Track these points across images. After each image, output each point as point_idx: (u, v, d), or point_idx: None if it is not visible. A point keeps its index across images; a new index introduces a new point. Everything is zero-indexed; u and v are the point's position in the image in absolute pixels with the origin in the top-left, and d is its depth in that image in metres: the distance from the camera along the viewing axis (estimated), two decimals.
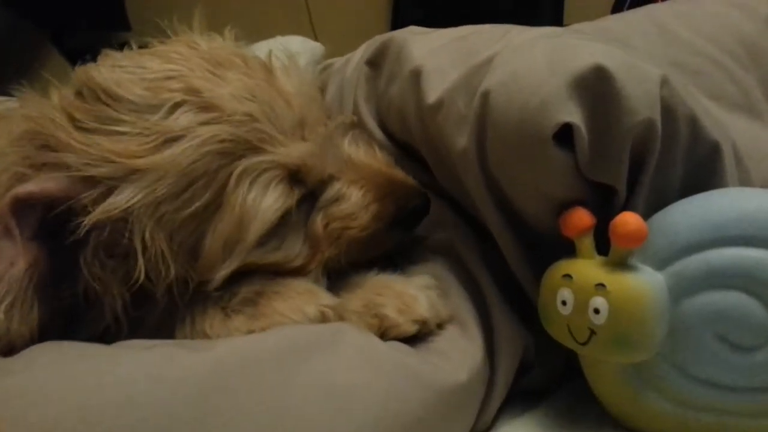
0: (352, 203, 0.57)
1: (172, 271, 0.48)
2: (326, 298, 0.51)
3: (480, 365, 0.52)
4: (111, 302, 0.47)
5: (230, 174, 0.48)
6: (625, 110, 0.48)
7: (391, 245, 0.60)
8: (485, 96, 0.52)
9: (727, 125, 0.64)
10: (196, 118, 0.47)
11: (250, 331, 0.48)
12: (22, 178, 0.46)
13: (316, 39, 1.18)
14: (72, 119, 0.47)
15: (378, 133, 0.71)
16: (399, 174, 0.61)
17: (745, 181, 0.57)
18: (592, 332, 0.49)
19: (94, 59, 0.54)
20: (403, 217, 0.59)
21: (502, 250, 0.58)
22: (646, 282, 0.49)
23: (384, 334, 0.51)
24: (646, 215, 0.51)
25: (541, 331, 0.59)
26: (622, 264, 0.50)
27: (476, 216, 0.62)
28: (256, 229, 0.50)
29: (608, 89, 0.48)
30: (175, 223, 0.47)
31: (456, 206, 0.65)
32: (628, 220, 0.48)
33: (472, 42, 0.63)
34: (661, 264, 0.50)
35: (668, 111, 0.50)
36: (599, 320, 0.49)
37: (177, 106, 0.47)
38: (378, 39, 0.77)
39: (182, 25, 0.58)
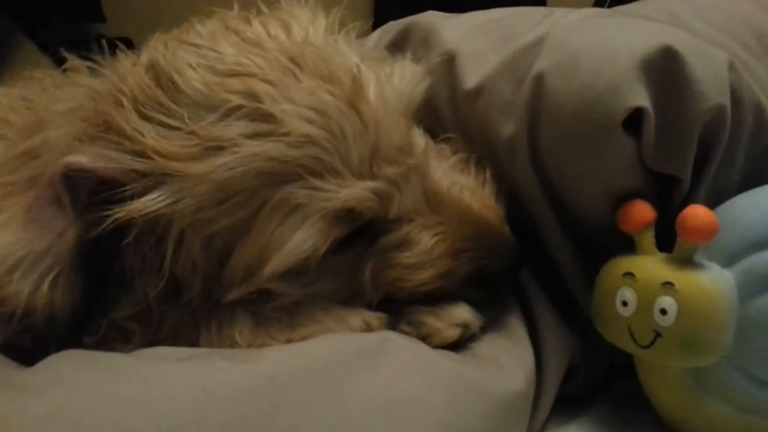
0: (416, 253, 0.48)
1: (200, 275, 0.44)
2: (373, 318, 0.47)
3: (532, 372, 0.49)
4: (143, 288, 0.44)
5: (268, 199, 0.43)
6: (696, 95, 0.45)
7: (461, 298, 0.50)
8: (539, 79, 0.49)
9: None
10: (248, 129, 0.42)
11: (289, 341, 0.44)
12: (76, 150, 0.43)
13: None
14: (136, 101, 0.43)
15: None
16: (494, 219, 0.51)
17: None
18: (658, 334, 0.46)
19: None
20: (481, 278, 0.49)
21: (549, 247, 0.54)
22: (716, 280, 0.46)
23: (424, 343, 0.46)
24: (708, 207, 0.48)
25: (584, 333, 0.56)
26: (688, 261, 0.46)
27: (516, 212, 0.58)
28: (274, 265, 0.44)
29: (678, 72, 0.45)
30: (208, 230, 0.43)
31: None
32: (699, 213, 0.45)
33: (510, 23, 0.59)
34: (729, 260, 0.47)
35: (735, 97, 0.48)
36: (666, 321, 0.45)
37: (232, 110, 0.42)
38: (396, 24, 0.72)
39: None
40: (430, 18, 0.67)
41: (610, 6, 2.63)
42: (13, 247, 0.42)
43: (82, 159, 0.42)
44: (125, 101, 0.43)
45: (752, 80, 0.89)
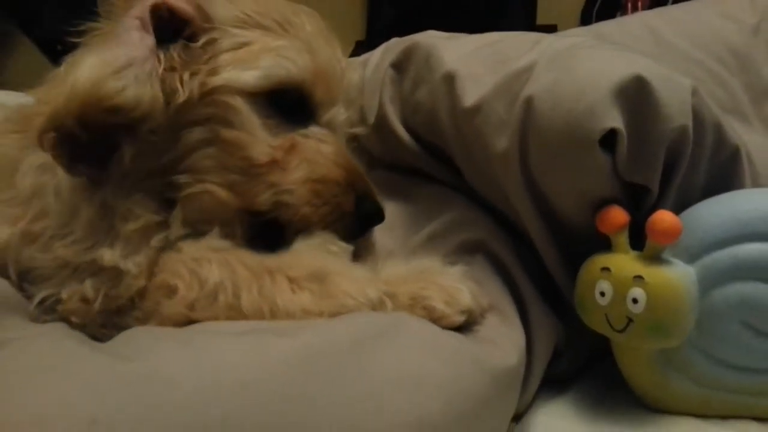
0: (331, 151, 0.59)
1: None
2: (384, 285, 0.54)
3: (523, 350, 0.56)
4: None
5: None
6: (662, 117, 0.53)
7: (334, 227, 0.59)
8: (528, 101, 0.56)
9: None
10: None
11: (320, 311, 0.51)
12: None
13: None
14: None
15: (403, 134, 0.74)
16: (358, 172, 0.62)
17: (756, 181, 0.62)
18: (630, 320, 0.54)
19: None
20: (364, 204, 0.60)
21: (538, 247, 0.62)
22: (680, 274, 0.53)
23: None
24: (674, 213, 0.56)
25: (568, 321, 0.63)
26: (657, 258, 0.54)
27: (508, 214, 0.65)
28: None
29: (647, 98, 0.53)
30: None
31: (485, 205, 0.69)
32: (665, 217, 0.53)
33: (501, 48, 0.66)
34: (691, 258, 0.54)
35: (697, 117, 0.55)
36: (637, 309, 0.53)
37: None
38: (400, 42, 0.80)
39: None
40: (432, 40, 0.74)
41: (600, 10, 2.68)
42: (114, 57, 0.51)
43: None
44: None
45: (724, 94, 0.97)
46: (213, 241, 0.55)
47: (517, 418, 0.60)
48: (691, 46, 1.00)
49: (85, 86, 0.49)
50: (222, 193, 0.56)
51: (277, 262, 0.54)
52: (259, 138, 0.56)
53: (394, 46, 0.81)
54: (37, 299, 0.54)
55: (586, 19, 2.35)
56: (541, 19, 2.49)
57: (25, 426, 0.35)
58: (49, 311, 0.54)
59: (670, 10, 1.19)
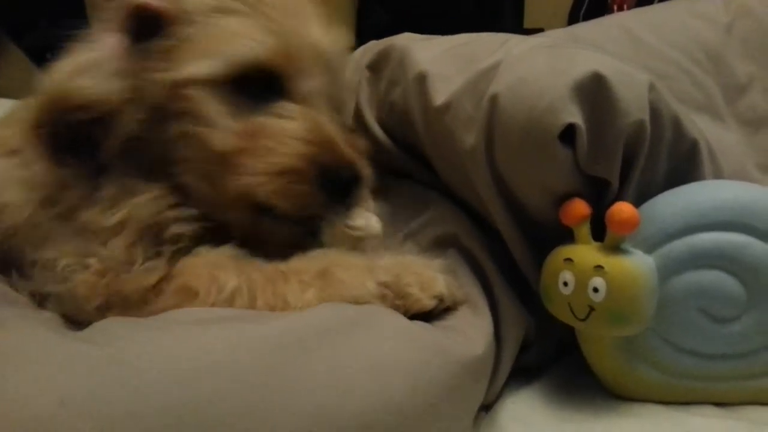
0: (297, 128, 0.57)
1: None
2: (383, 275, 0.55)
3: (491, 340, 0.58)
4: None
5: None
6: (619, 112, 0.55)
7: (314, 211, 0.58)
8: (494, 99, 0.58)
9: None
10: None
11: (322, 300, 0.53)
12: None
13: None
14: None
15: (380, 134, 0.76)
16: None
17: (718, 175, 0.64)
18: (591, 309, 0.56)
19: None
20: (332, 176, 0.57)
21: (506, 239, 0.64)
22: (639, 263, 0.55)
23: (407, 310, 0.55)
24: (635, 206, 0.58)
25: (538, 313, 0.65)
26: (617, 248, 0.56)
27: (479, 210, 0.67)
28: None
29: (605, 93, 0.55)
30: None
31: (458, 201, 0.71)
32: (623, 209, 0.55)
33: (472, 49, 0.68)
34: (650, 248, 0.56)
35: (655, 113, 0.57)
36: (598, 298, 0.55)
37: None
38: (377, 44, 0.82)
39: None
40: (406, 42, 0.76)
41: (586, 13, 2.70)
42: (84, 59, 0.54)
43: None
44: None
45: (699, 93, 0.99)
46: (228, 249, 0.57)
47: (487, 407, 0.62)
48: (666, 45, 1.02)
49: (53, 87, 0.52)
50: (202, 186, 0.57)
51: (290, 266, 0.56)
52: (221, 126, 0.56)
53: (371, 48, 0.83)
54: (60, 264, 0.56)
55: (573, 22, 2.37)
56: (528, 23, 2.52)
57: None
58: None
59: (645, 11, 1.22)
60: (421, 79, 0.68)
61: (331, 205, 0.58)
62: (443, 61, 0.69)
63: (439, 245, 0.67)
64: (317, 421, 0.42)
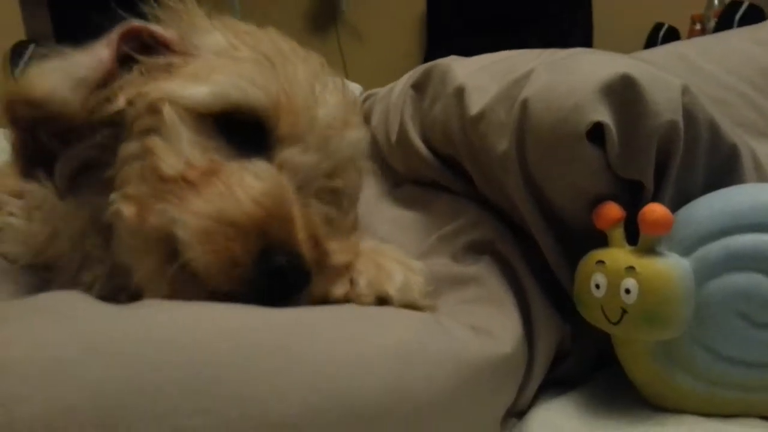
0: (258, 187, 0.50)
1: None
2: (342, 256, 0.53)
3: (520, 341, 0.57)
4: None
5: None
6: (650, 113, 0.55)
7: (235, 287, 0.48)
8: (524, 103, 0.59)
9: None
10: None
11: None
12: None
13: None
14: None
15: (422, 148, 0.78)
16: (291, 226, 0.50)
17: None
18: (624, 311, 0.55)
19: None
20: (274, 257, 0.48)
21: (540, 245, 0.64)
22: (671, 264, 0.54)
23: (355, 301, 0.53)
24: (673, 212, 0.57)
25: (575, 323, 0.64)
26: (650, 250, 0.55)
27: (515, 218, 0.68)
28: None
29: (635, 94, 0.55)
30: None
31: (496, 211, 0.71)
32: (655, 209, 0.54)
33: (510, 62, 0.70)
34: (686, 251, 0.55)
35: (690, 115, 0.57)
36: (630, 299, 0.54)
37: None
38: (422, 66, 0.85)
39: None
40: (449, 61, 0.78)
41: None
42: (64, 62, 0.53)
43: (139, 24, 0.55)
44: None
45: (758, 116, 0.97)
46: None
47: (520, 414, 0.61)
48: (721, 70, 1.01)
49: (20, 81, 0.52)
50: (128, 210, 0.51)
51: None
52: (177, 150, 0.51)
53: (417, 70, 0.86)
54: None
55: None
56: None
57: None
58: None
59: (706, 39, 1.21)
60: (460, 92, 0.70)
61: (253, 286, 0.48)
62: (481, 75, 0.70)
63: (474, 250, 0.68)
64: (331, 396, 0.43)
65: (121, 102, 0.53)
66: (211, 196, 0.49)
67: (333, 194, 0.57)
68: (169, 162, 0.50)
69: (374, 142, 0.86)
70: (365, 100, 1.00)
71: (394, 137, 0.83)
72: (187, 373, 0.40)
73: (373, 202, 0.83)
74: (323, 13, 3.13)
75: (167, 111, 0.51)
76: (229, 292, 0.47)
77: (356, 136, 0.58)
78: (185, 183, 0.50)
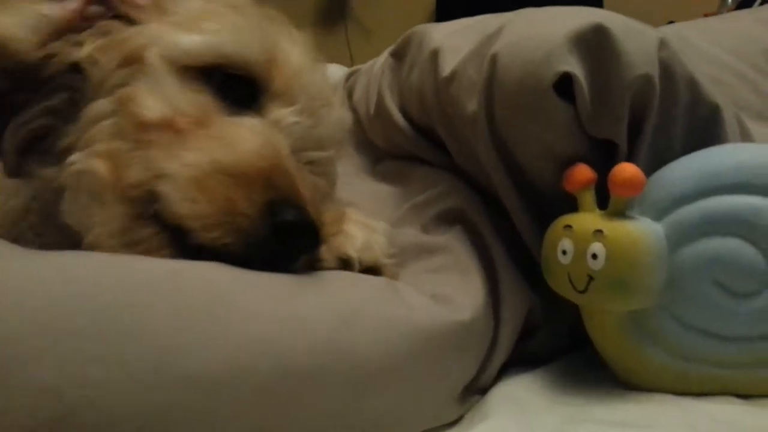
0: (255, 140, 0.46)
1: None
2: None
3: (482, 310, 0.54)
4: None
5: None
6: (623, 65, 0.51)
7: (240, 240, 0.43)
8: (493, 58, 0.56)
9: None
10: None
11: None
12: None
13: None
14: None
15: (399, 118, 0.75)
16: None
17: None
18: (591, 278, 0.51)
19: None
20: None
21: (510, 212, 0.60)
22: (641, 228, 0.50)
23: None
24: (649, 174, 0.53)
25: (548, 297, 0.60)
26: (620, 214, 0.51)
27: (487, 187, 0.64)
28: None
29: (607, 45, 0.51)
30: None
31: (471, 182, 0.68)
32: (626, 168, 0.50)
33: (486, 23, 0.66)
34: (659, 214, 0.51)
35: (667, 70, 0.53)
36: (597, 265, 0.50)
37: None
38: (404, 34, 0.81)
39: None
40: (426, 26, 0.75)
41: None
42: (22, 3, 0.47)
43: None
44: None
45: (757, 98, 0.93)
46: None
47: (484, 391, 0.57)
48: (721, 51, 0.98)
49: None
50: (100, 166, 0.44)
51: None
52: (163, 95, 0.46)
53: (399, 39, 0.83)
54: None
55: None
56: None
57: None
58: None
59: (705, 20, 1.17)
60: (434, 54, 0.67)
61: (258, 244, 0.43)
62: (456, 36, 0.67)
63: (445, 220, 0.64)
64: (261, 353, 0.40)
65: (87, 48, 0.48)
66: (204, 147, 0.44)
67: (321, 165, 0.54)
68: (153, 106, 0.45)
69: (356, 119, 0.84)
70: (349, 77, 0.97)
71: (372, 109, 0.80)
72: (101, 317, 0.37)
73: (352, 177, 0.80)
74: (332, 8, 3.12)
75: (153, 54, 0.47)
76: (221, 248, 0.42)
77: (341, 114, 0.57)
78: (172, 131, 0.44)
